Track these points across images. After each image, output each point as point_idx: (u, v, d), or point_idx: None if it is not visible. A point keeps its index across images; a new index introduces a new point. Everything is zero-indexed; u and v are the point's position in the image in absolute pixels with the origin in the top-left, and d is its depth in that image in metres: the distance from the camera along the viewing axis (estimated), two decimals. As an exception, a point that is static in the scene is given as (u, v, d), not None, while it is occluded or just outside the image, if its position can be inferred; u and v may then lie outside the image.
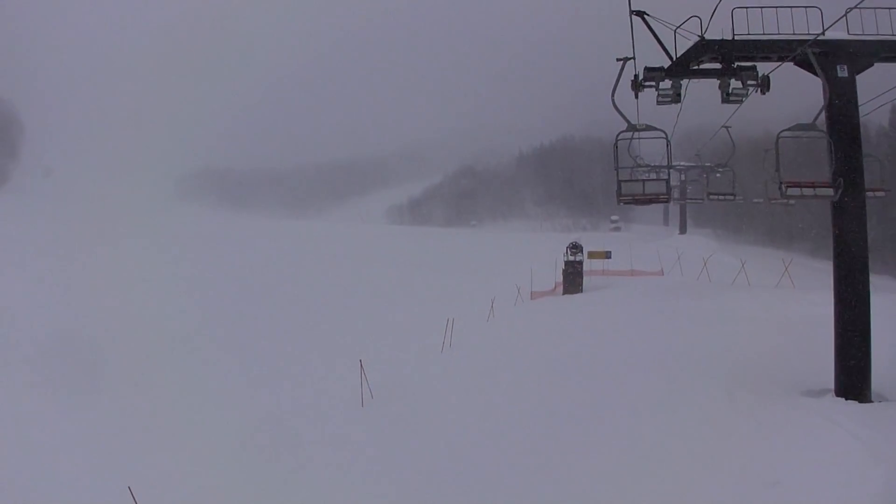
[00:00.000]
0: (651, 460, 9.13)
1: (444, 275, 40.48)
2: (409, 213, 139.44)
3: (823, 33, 9.27)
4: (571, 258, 30.61)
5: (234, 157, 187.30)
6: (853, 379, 9.91)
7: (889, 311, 11.11)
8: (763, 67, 10.36)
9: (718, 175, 23.72)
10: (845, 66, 9.69)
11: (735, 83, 10.33)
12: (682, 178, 42.67)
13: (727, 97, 10.55)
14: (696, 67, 10.51)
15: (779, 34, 10.14)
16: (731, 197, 19.46)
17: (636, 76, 10.48)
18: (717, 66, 10.46)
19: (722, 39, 10.25)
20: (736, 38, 10.21)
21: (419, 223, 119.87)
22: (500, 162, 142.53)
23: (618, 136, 10.45)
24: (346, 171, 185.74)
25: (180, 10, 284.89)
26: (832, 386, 10.25)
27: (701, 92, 11.31)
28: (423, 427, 12.49)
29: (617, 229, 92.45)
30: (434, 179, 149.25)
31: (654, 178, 13.68)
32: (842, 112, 9.72)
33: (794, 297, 21.28)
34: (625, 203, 10.69)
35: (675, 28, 10.12)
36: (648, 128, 10.50)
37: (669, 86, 10.64)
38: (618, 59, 10.21)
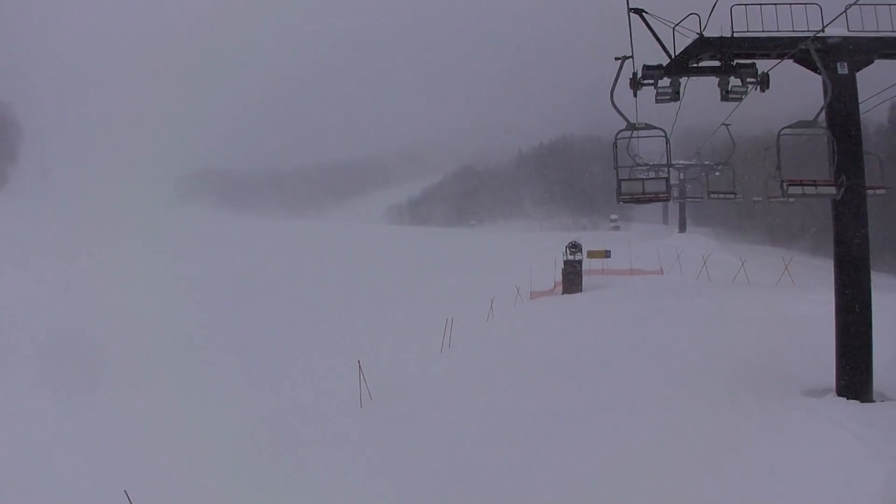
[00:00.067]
0: (651, 460, 9.09)
1: (443, 274, 40.48)
2: (408, 212, 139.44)
3: (823, 30, 9.22)
4: (571, 257, 30.57)
5: (233, 158, 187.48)
6: (855, 378, 9.85)
7: (890, 310, 11.05)
8: (762, 65, 10.31)
9: (717, 174, 23.69)
10: (845, 64, 9.64)
11: (734, 81, 10.27)
12: (681, 176, 42.61)
13: (726, 95, 10.49)
14: (694, 65, 10.45)
15: (778, 31, 10.09)
16: (732, 195, 19.39)
17: (634, 74, 10.43)
18: (716, 63, 10.40)
19: (721, 37, 10.19)
20: (735, 35, 10.15)
21: (419, 223, 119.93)
22: (499, 161, 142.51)
23: (617, 135, 10.41)
24: (346, 171, 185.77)
25: (180, 10, 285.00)
26: (833, 385, 10.20)
27: (700, 90, 11.30)
28: (423, 427, 12.46)
29: (616, 228, 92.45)
30: (434, 179, 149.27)
31: (654, 176, 13.66)
32: (842, 109, 9.66)
33: (795, 296, 21.26)
34: (625, 202, 10.64)
35: (673, 25, 10.07)
36: (648, 126, 10.46)
37: (668, 84, 10.58)
38: (616, 58, 10.17)
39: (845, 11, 8.87)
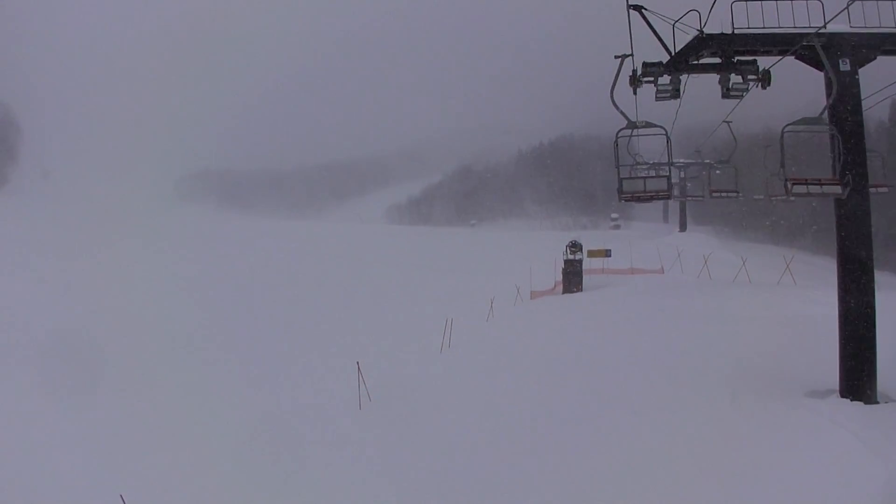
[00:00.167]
0: (652, 460, 9.06)
1: (443, 274, 40.48)
2: (408, 212, 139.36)
3: (825, 26, 9.14)
4: (571, 257, 30.50)
5: (233, 158, 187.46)
6: (858, 380, 9.75)
7: (894, 310, 10.94)
8: (763, 62, 10.24)
9: (718, 172, 23.62)
10: (847, 60, 9.55)
11: (735, 78, 10.17)
12: (682, 175, 42.54)
13: (727, 92, 10.39)
14: (695, 62, 10.36)
15: (779, 27, 10.02)
16: (734, 194, 19.25)
17: (634, 72, 10.36)
18: (717, 60, 10.32)
19: (721, 33, 10.10)
20: (736, 31, 10.07)
21: (419, 223, 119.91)
22: (499, 161, 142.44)
23: (618, 133, 10.35)
24: (346, 171, 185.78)
25: (180, 11, 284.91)
26: (836, 386, 10.11)
27: (700, 88, 11.22)
28: (423, 427, 12.42)
29: (617, 227, 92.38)
30: (433, 179, 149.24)
31: (656, 174, 13.60)
32: (845, 106, 9.57)
33: (796, 295, 21.20)
34: (626, 200, 10.58)
35: (673, 22, 10.00)
36: (648, 125, 10.40)
37: (668, 81, 10.50)
38: (616, 57, 10.11)
39: (847, 7, 8.77)
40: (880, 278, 10.37)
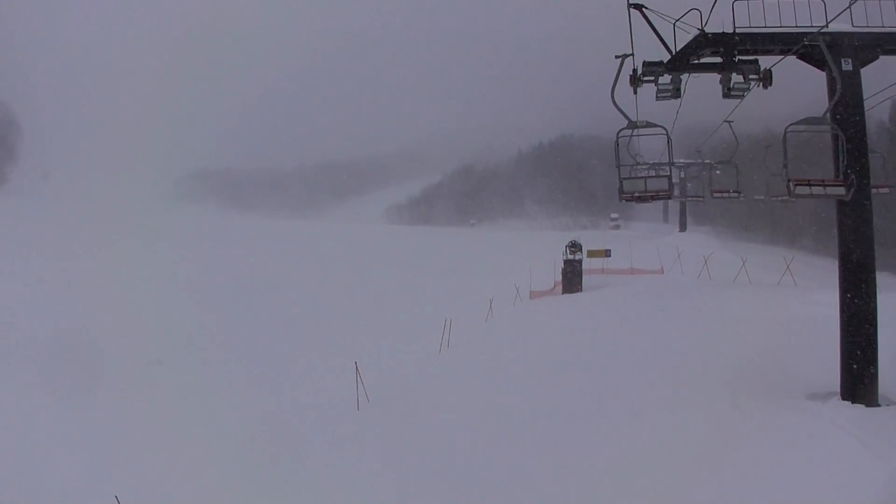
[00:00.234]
0: (652, 461, 9.03)
1: (443, 274, 40.48)
2: (408, 212, 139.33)
3: (827, 25, 9.08)
4: (571, 257, 30.47)
5: (233, 158, 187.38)
6: (859, 382, 9.69)
7: (895, 311, 10.89)
8: (765, 61, 10.19)
9: (718, 172, 23.58)
10: (849, 60, 9.49)
11: (736, 77, 10.11)
12: (682, 175, 42.51)
13: (728, 92, 10.31)
14: (696, 62, 10.31)
15: (781, 27, 9.98)
16: (736, 194, 19.17)
17: (634, 71, 10.31)
18: (718, 59, 10.26)
19: (722, 32, 10.02)
20: (737, 30, 10.02)
21: (419, 223, 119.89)
22: (499, 161, 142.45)
23: (618, 133, 10.31)
24: (346, 171, 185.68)
25: (180, 11, 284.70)
26: (838, 388, 10.05)
27: (700, 87, 11.18)
28: (422, 428, 12.40)
29: (616, 227, 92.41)
30: (433, 179, 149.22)
31: (656, 174, 13.56)
32: (848, 106, 9.52)
33: (797, 296, 21.16)
34: (627, 200, 10.54)
35: (674, 21, 9.95)
36: (649, 125, 10.35)
37: (669, 81, 10.43)
38: (616, 56, 10.07)
39: (850, 7, 8.72)
40: (881, 279, 10.30)
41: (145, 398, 17.56)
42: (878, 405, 9.62)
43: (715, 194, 19.71)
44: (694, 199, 39.43)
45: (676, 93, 10.61)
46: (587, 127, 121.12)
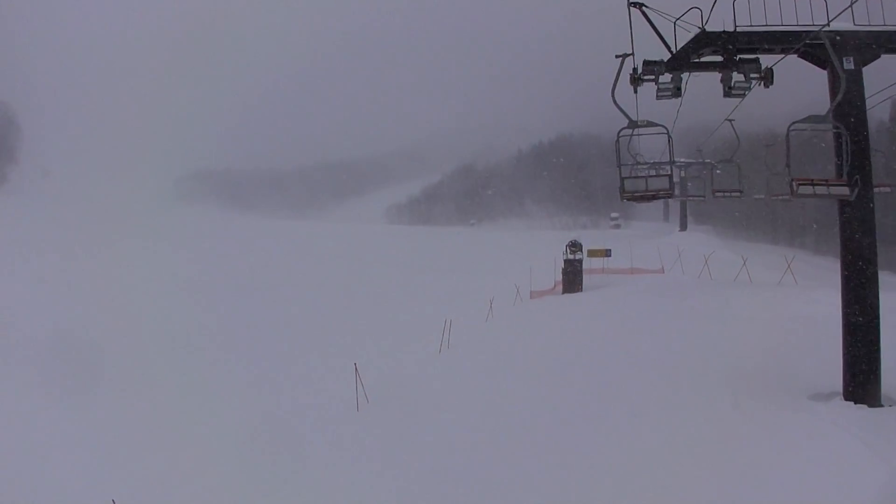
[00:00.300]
0: (652, 462, 8.99)
1: (442, 274, 40.46)
2: (408, 212, 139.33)
3: (829, 24, 9.01)
4: (571, 256, 30.41)
5: (233, 158, 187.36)
6: (862, 383, 9.63)
7: (896, 310, 10.84)
8: (766, 60, 10.14)
9: (718, 172, 23.46)
10: (851, 58, 9.42)
11: (737, 76, 10.06)
12: (682, 174, 42.40)
13: (729, 91, 10.25)
14: (696, 60, 10.26)
15: (782, 25, 9.93)
16: (738, 194, 19.07)
17: (635, 70, 10.26)
18: (719, 58, 10.21)
19: (723, 31, 10.00)
20: (738, 29, 9.98)
21: (419, 222, 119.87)
22: (499, 160, 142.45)
23: (619, 132, 10.26)
24: (346, 170, 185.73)
25: (180, 11, 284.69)
26: (840, 388, 10.00)
27: (700, 86, 11.14)
28: (422, 428, 12.35)
29: (617, 226, 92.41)
30: (433, 178, 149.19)
31: (656, 173, 13.50)
32: (850, 105, 9.44)
33: (798, 295, 21.10)
34: (628, 199, 10.49)
35: (674, 20, 9.90)
36: (650, 124, 10.30)
37: (669, 80, 10.38)
38: (616, 56, 10.02)
39: (851, 5, 8.65)
40: (882, 278, 10.24)
41: (145, 398, 17.53)
42: (882, 406, 9.57)
43: (716, 193, 19.61)
44: (695, 198, 39.37)
45: (677, 92, 10.55)
46: (587, 126, 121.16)
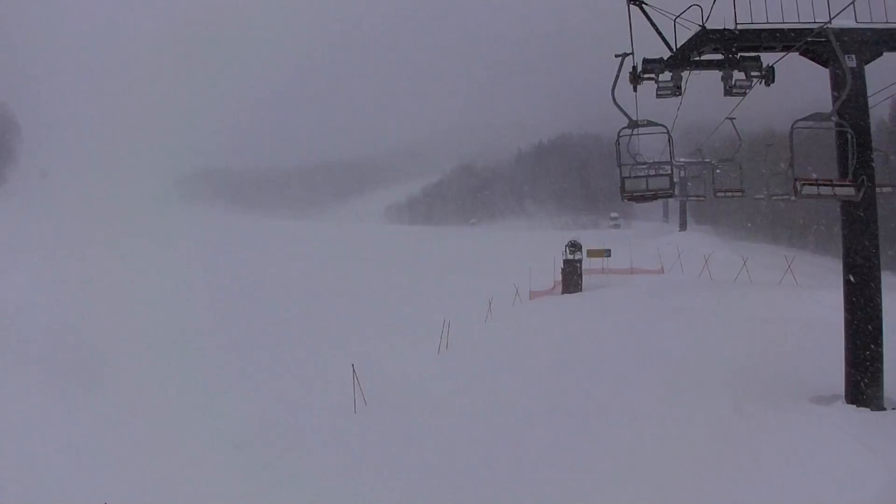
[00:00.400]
0: (652, 463, 8.98)
1: (442, 274, 40.37)
2: (408, 211, 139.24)
3: (830, 21, 8.86)
4: (570, 257, 30.32)
5: (233, 157, 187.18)
6: (865, 386, 9.53)
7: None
8: (767, 58, 10.00)
9: (718, 171, 23.33)
10: (853, 56, 9.26)
11: (738, 75, 9.94)
12: (682, 174, 42.28)
13: (730, 89, 10.14)
14: (697, 58, 10.14)
15: (784, 22, 9.79)
16: (740, 194, 18.91)
17: (634, 68, 10.13)
18: (719, 56, 10.09)
19: (724, 29, 9.88)
20: (739, 27, 9.85)
21: (419, 222, 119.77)
22: (499, 160, 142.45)
23: (620, 132, 10.16)
24: (346, 170, 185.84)
25: (179, 11, 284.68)
26: (842, 391, 9.90)
27: (700, 85, 11.00)
28: (420, 431, 12.28)
29: (616, 226, 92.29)
30: (433, 178, 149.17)
31: (655, 173, 13.38)
32: (853, 104, 9.27)
33: (798, 296, 20.98)
34: (629, 199, 10.38)
35: (674, 17, 9.78)
36: (650, 123, 10.20)
37: (669, 78, 10.27)
38: (616, 56, 9.90)
39: (853, 3, 8.49)
40: (884, 279, 10.13)
41: (144, 398, 17.41)
42: (885, 409, 9.43)
43: (718, 193, 19.45)
44: (695, 198, 39.27)
45: (677, 90, 10.43)
46: (587, 126, 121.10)
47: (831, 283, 19.29)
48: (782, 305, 19.38)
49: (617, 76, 9.93)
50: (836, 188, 8.63)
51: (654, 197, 10.39)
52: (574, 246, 30.66)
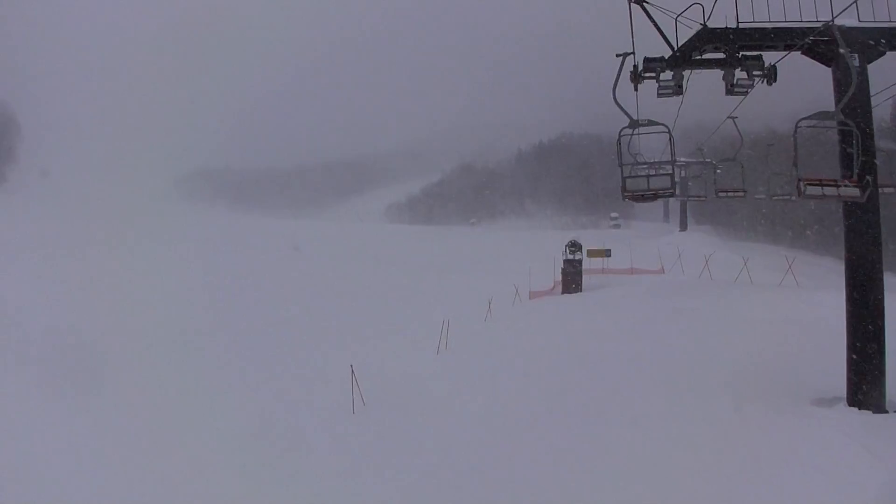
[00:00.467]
0: (652, 465, 8.94)
1: (442, 274, 40.33)
2: (408, 211, 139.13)
3: (833, 20, 8.82)
4: (570, 257, 30.28)
5: (233, 157, 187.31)
6: (867, 388, 9.47)
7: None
8: (769, 57, 9.95)
9: (719, 171, 23.26)
10: (856, 56, 9.21)
11: (740, 74, 9.89)
12: (683, 174, 42.22)
13: (731, 89, 10.08)
14: (698, 57, 10.09)
15: (786, 21, 9.74)
16: (742, 194, 18.82)
17: (635, 67, 10.08)
18: (721, 56, 10.04)
19: (726, 27, 9.84)
20: (740, 25, 9.81)
21: (419, 221, 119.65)
22: (499, 160, 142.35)
23: (621, 132, 10.12)
24: (346, 169, 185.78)
25: (179, 10, 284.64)
26: (843, 393, 9.84)
27: (701, 85, 10.96)
28: (419, 431, 12.25)
29: (616, 226, 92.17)
30: (433, 178, 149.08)
31: (656, 173, 13.34)
32: (856, 103, 9.22)
33: (799, 297, 20.93)
34: (630, 199, 10.33)
35: (676, 16, 9.73)
36: (651, 123, 10.15)
37: (670, 77, 10.23)
38: (617, 55, 9.86)
39: (856, 2, 8.44)
40: (885, 280, 10.07)
41: (144, 398, 17.37)
42: (887, 412, 9.38)
43: (720, 193, 19.37)
44: (696, 198, 39.22)
45: (678, 90, 10.38)
46: (587, 126, 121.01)
47: (832, 284, 19.22)
48: (783, 306, 19.32)
49: (618, 76, 9.88)
50: (841, 189, 8.47)
51: (655, 196, 10.34)
52: (574, 246, 30.62)
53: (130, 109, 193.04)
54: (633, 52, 9.80)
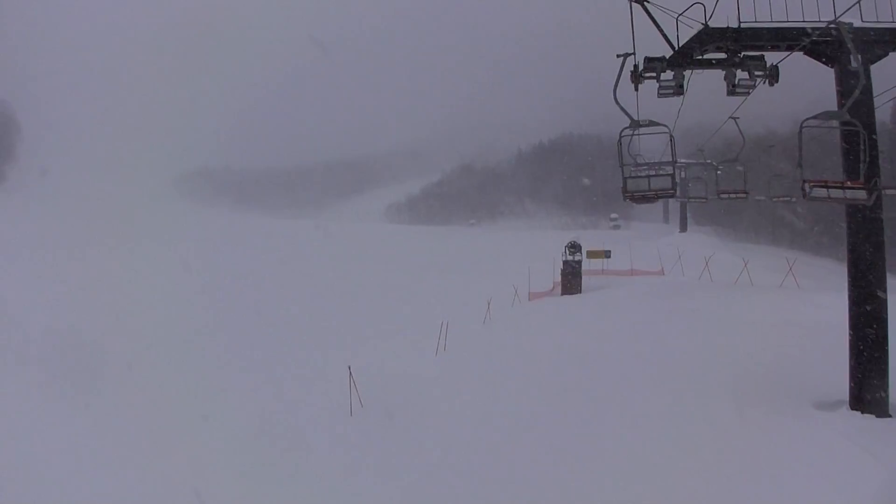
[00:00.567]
0: (652, 466, 8.92)
1: (441, 275, 40.29)
2: (408, 211, 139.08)
3: (836, 19, 8.78)
4: (570, 258, 30.23)
5: (233, 156, 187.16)
6: (870, 392, 9.42)
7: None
8: (771, 57, 9.92)
9: (719, 172, 23.24)
10: (859, 56, 9.17)
11: (741, 74, 9.86)
12: (683, 175, 42.17)
13: (733, 89, 10.02)
14: (699, 57, 10.06)
15: (788, 21, 9.72)
16: (743, 195, 18.74)
17: (636, 67, 10.05)
18: (722, 55, 10.01)
19: (727, 27, 9.81)
20: (742, 25, 9.78)
21: (418, 221, 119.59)
22: (499, 160, 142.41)
23: (621, 132, 10.09)
24: (346, 169, 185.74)
25: (179, 10, 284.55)
26: (845, 396, 9.80)
27: (702, 85, 10.93)
28: (418, 433, 12.22)
29: (616, 227, 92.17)
30: (433, 178, 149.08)
31: (656, 173, 13.32)
32: (860, 104, 9.17)
33: (800, 299, 20.92)
34: (630, 199, 10.31)
35: (677, 16, 9.70)
36: (652, 123, 10.13)
37: (671, 77, 10.19)
38: (618, 56, 9.83)
39: (859, 2, 8.40)
40: (888, 282, 10.05)
41: (144, 397, 17.37)
42: (889, 416, 9.35)
43: (722, 194, 19.28)
44: (696, 199, 39.19)
45: (679, 90, 10.34)
46: (587, 126, 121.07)
47: (833, 286, 19.21)
48: (784, 308, 19.30)
49: (618, 76, 9.85)
50: (847, 190, 8.31)
51: (656, 197, 10.32)
52: (574, 247, 30.58)
53: (130, 109, 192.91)
54: (634, 52, 9.76)
